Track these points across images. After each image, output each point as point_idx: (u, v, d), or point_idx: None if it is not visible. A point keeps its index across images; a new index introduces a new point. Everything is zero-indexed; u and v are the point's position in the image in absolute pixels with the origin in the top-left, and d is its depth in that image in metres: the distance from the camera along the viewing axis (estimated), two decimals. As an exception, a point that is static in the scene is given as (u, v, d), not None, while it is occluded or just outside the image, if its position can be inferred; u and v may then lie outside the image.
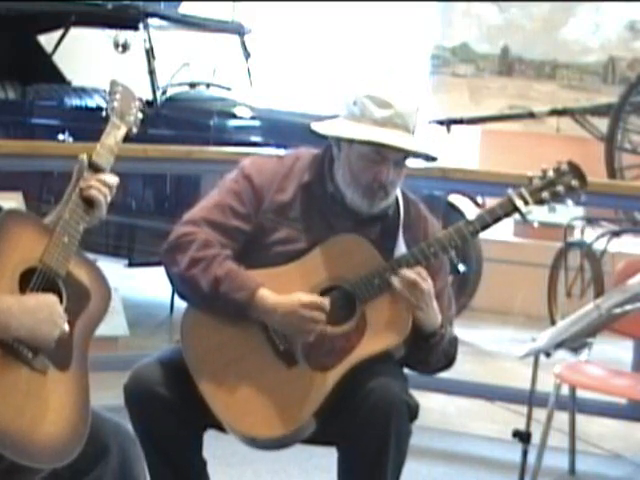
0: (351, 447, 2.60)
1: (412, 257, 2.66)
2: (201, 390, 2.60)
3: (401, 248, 2.73)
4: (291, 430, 2.57)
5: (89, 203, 2.37)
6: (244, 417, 2.58)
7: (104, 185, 2.39)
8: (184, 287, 2.69)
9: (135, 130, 2.56)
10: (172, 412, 2.61)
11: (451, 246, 2.68)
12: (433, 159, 2.75)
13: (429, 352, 2.71)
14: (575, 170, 2.72)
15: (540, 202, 2.70)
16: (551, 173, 2.71)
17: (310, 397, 2.57)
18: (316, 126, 2.74)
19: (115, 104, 2.53)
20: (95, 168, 2.40)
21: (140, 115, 2.58)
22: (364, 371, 2.58)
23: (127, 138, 2.55)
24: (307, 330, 2.60)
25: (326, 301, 2.62)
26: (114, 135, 2.48)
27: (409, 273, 2.62)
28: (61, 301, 2.25)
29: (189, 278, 2.64)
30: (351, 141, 2.68)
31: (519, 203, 2.68)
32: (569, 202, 2.72)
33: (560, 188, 2.70)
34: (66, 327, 2.21)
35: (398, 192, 2.79)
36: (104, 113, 2.53)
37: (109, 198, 2.40)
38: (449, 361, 2.80)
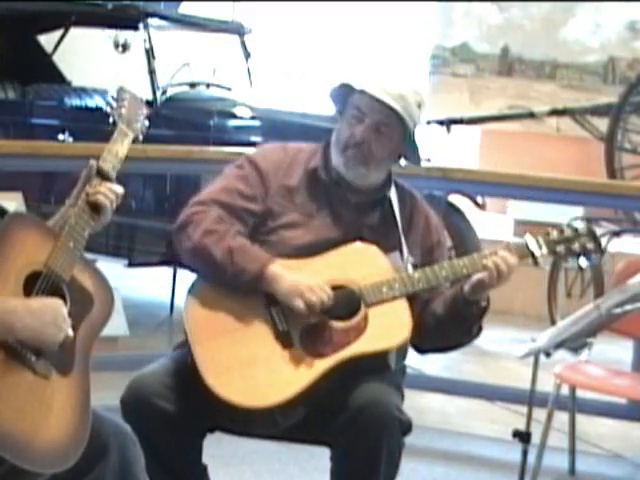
0: (343, 460, 2.64)
1: (424, 276, 2.73)
2: (194, 355, 2.62)
3: (402, 239, 2.83)
4: (269, 404, 2.58)
5: (95, 209, 2.39)
6: (228, 384, 2.59)
7: (111, 192, 2.41)
8: (197, 258, 2.73)
9: (141, 137, 2.59)
10: (170, 424, 2.61)
11: (462, 273, 2.75)
12: (416, 150, 2.85)
13: (474, 321, 2.78)
14: (591, 233, 2.83)
15: (554, 253, 2.81)
16: (569, 232, 2.82)
17: (296, 379, 2.60)
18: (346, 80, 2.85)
19: (123, 111, 2.55)
20: (102, 174, 2.42)
21: (147, 122, 2.60)
22: (359, 384, 2.61)
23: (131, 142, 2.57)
24: (309, 302, 2.63)
25: (331, 292, 2.67)
26: (121, 142, 2.50)
27: (512, 259, 2.70)
28: (65, 306, 2.25)
29: (202, 248, 2.69)
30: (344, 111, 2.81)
31: (534, 247, 2.77)
32: (581, 260, 2.85)
33: (576, 246, 2.81)
34: (70, 332, 2.21)
35: (392, 181, 2.90)
36: (111, 119, 2.55)
37: (114, 205, 2.43)
38: (478, 330, 2.86)
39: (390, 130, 2.79)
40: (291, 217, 2.80)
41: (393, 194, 2.88)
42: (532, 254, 2.75)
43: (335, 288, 2.71)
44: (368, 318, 2.67)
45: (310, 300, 2.63)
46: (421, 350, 2.90)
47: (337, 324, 2.67)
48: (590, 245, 2.81)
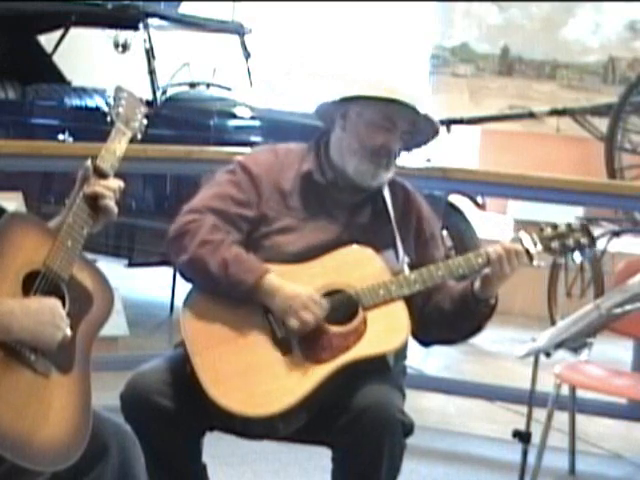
0: (344, 462, 2.63)
1: (420, 277, 2.72)
2: (194, 365, 2.61)
3: (396, 232, 2.83)
4: (270, 412, 2.57)
5: (94, 207, 2.38)
6: (229, 392, 2.58)
7: (109, 190, 2.40)
8: (192, 270, 2.71)
9: (140, 136, 2.58)
10: (169, 421, 2.61)
11: (458, 273, 2.75)
12: (436, 130, 2.85)
13: (483, 318, 2.79)
14: (585, 229, 2.84)
15: (548, 250, 2.80)
16: (563, 227, 2.82)
17: (297, 386, 2.59)
18: (334, 94, 2.83)
19: (120, 110, 2.55)
20: (99, 173, 2.41)
21: (145, 121, 2.60)
22: (361, 386, 2.60)
23: (130, 141, 2.57)
24: (303, 320, 2.62)
25: (325, 303, 2.66)
26: (119, 140, 2.50)
27: (510, 245, 2.72)
28: (64, 305, 2.25)
29: (197, 260, 2.67)
30: (360, 113, 2.78)
31: (528, 244, 2.76)
32: (576, 256, 2.85)
33: (570, 242, 2.81)
34: (68, 331, 2.21)
35: None
36: (109, 118, 2.54)
37: (114, 201, 2.41)
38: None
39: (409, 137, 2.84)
40: (285, 222, 2.79)
41: (385, 188, 2.88)
42: (527, 251, 2.74)
43: (332, 292, 2.70)
44: (366, 321, 2.66)
45: (304, 318, 2.62)
46: (424, 342, 2.91)
47: (336, 329, 2.65)
48: (584, 240, 2.82)
